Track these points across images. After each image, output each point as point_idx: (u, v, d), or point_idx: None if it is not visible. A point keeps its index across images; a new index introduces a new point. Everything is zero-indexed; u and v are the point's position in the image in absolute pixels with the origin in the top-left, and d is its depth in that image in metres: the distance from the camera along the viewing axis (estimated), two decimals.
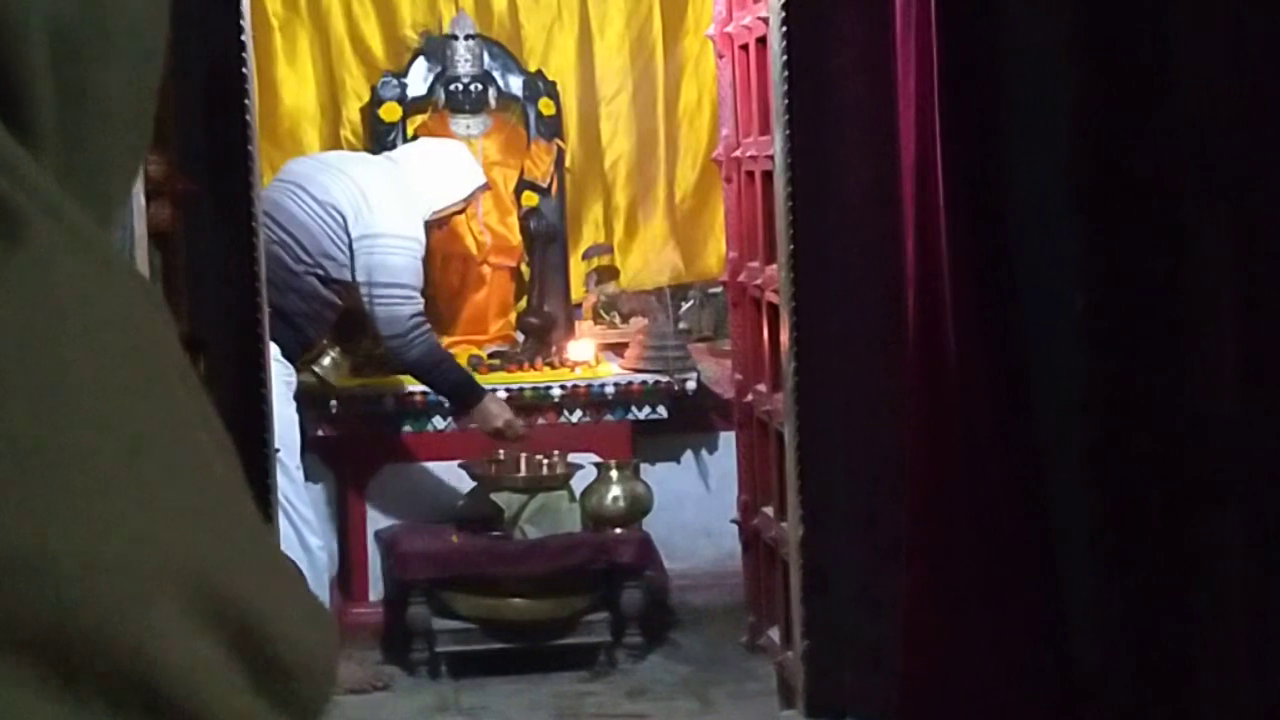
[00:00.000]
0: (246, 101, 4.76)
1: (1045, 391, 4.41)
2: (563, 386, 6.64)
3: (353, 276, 5.98)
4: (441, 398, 6.35)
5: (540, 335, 6.92)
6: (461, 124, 6.94)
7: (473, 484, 6.40)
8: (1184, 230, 4.11)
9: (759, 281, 5.55)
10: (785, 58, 4.90)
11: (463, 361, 6.65)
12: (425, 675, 6.16)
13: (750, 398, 5.85)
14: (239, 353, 4.77)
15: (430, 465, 6.56)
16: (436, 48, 6.97)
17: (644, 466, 6.57)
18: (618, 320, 7.17)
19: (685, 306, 7.24)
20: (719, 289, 6.87)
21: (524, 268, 7.10)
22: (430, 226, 6.25)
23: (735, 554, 6.22)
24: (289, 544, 5.51)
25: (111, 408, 0.53)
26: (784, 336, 5.05)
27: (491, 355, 6.80)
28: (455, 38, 6.94)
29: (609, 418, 6.72)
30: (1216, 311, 4.04)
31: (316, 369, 6.32)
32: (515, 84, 7.02)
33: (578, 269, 7.23)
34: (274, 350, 5.23)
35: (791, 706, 5.25)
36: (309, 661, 0.57)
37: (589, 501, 6.30)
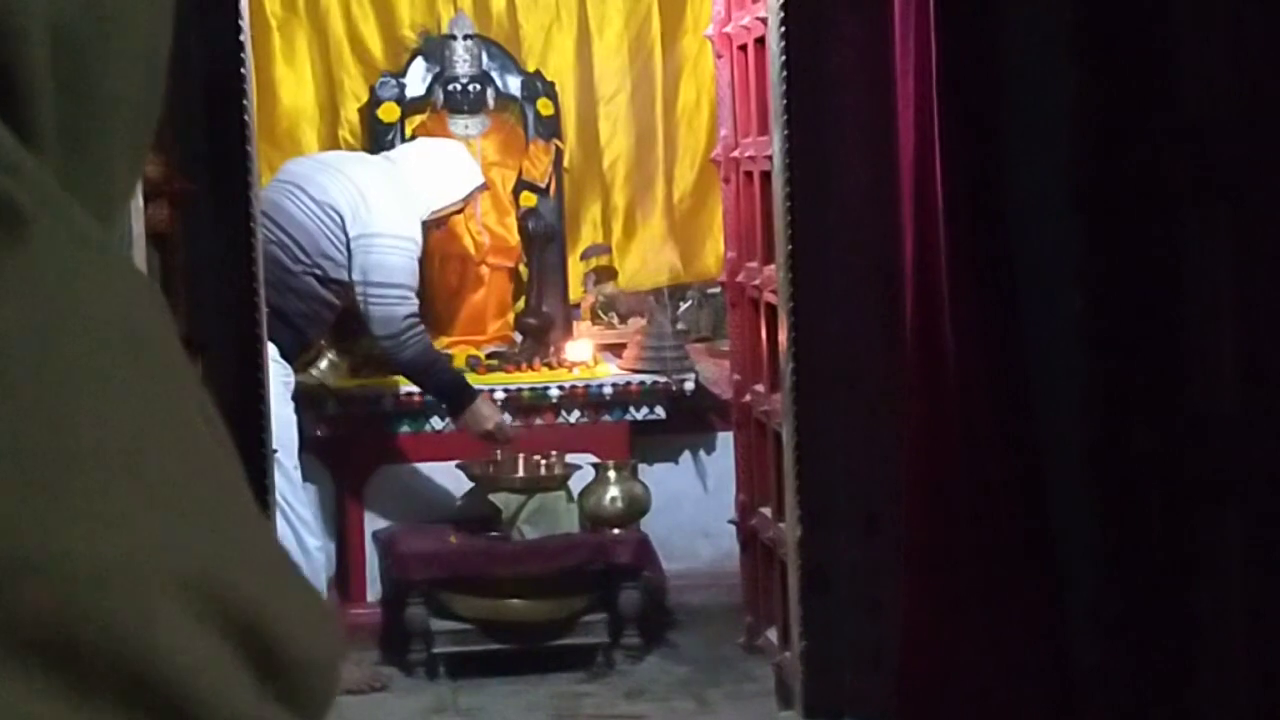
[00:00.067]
0: (245, 102, 4.76)
1: (1045, 391, 4.41)
2: (561, 387, 6.64)
3: (350, 276, 5.98)
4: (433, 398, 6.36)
5: (538, 336, 6.92)
6: (460, 124, 6.94)
7: (470, 484, 6.40)
8: (1183, 230, 4.11)
9: (757, 282, 5.55)
10: (784, 58, 4.89)
11: (461, 362, 6.65)
12: (423, 676, 6.16)
13: (748, 398, 5.84)
14: (237, 353, 4.76)
15: (428, 466, 6.56)
16: (435, 48, 6.97)
17: (642, 467, 6.57)
18: (616, 321, 7.17)
19: (683, 307, 7.23)
20: (717, 289, 6.87)
21: (522, 268, 7.09)
22: (428, 227, 6.25)
23: (733, 554, 6.22)
24: (286, 545, 5.51)
25: (114, 407, 0.53)
26: (782, 337, 5.04)
27: (489, 356, 6.80)
28: (454, 38, 6.94)
29: (607, 418, 6.72)
30: (1216, 311, 4.04)
31: (314, 372, 6.32)
32: (514, 84, 7.02)
33: (576, 269, 7.22)
34: (272, 350, 5.22)
35: (789, 707, 5.25)
36: (314, 659, 0.56)
37: (587, 502, 6.29)
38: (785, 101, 4.90)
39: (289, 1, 7.02)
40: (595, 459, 6.40)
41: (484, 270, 6.97)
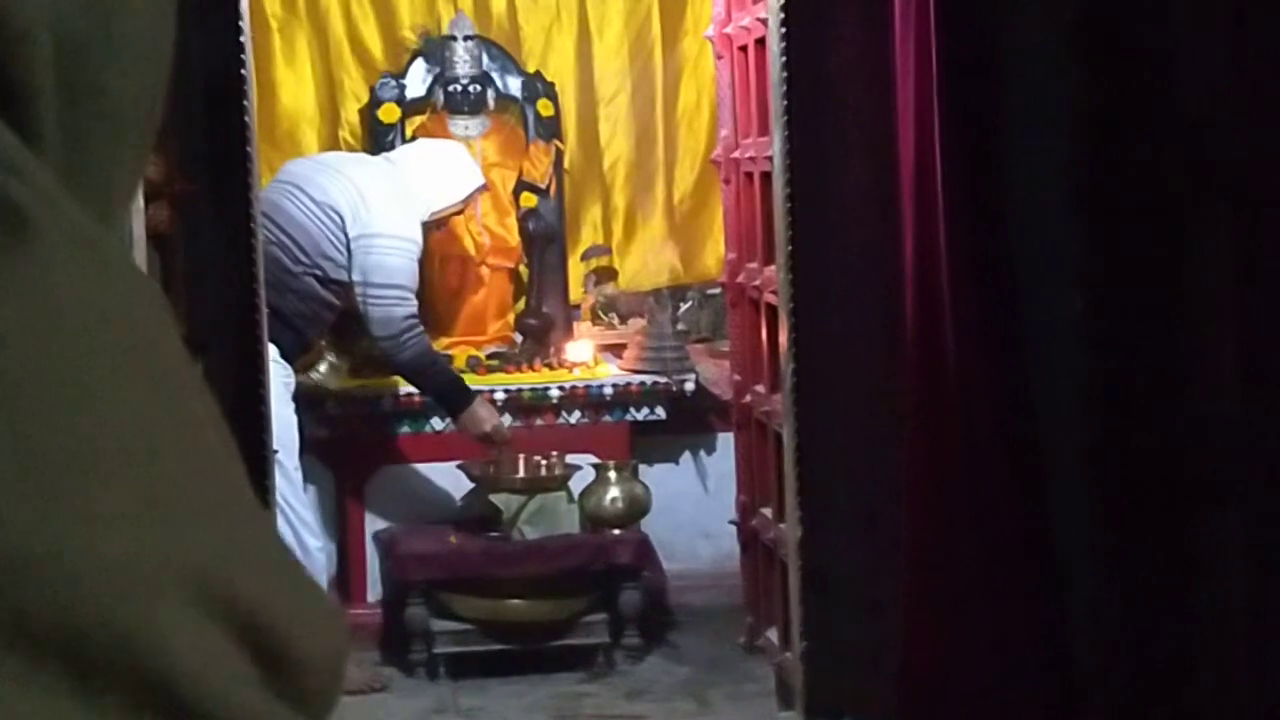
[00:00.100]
0: (245, 103, 4.76)
1: (1045, 392, 4.41)
2: (561, 387, 6.64)
3: (350, 277, 5.98)
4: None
5: (539, 336, 6.92)
6: (460, 125, 6.94)
7: (471, 485, 6.41)
8: (1184, 230, 4.11)
9: (757, 282, 5.55)
10: (784, 59, 4.89)
11: (461, 362, 6.65)
12: (424, 676, 6.16)
13: (749, 399, 5.84)
14: (238, 354, 4.76)
15: (428, 466, 6.56)
16: (435, 49, 6.97)
17: (642, 467, 6.57)
18: (616, 321, 7.17)
19: (684, 307, 7.23)
20: (717, 290, 6.87)
21: (522, 269, 7.09)
22: (428, 227, 6.25)
23: (734, 555, 6.22)
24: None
25: (118, 407, 0.53)
26: (782, 337, 5.04)
27: (490, 356, 6.80)
28: (454, 39, 6.94)
29: (607, 419, 6.72)
30: (1216, 311, 4.04)
31: (314, 376, 6.33)
32: (514, 85, 7.02)
33: (576, 270, 7.22)
34: (272, 351, 5.22)
35: (790, 707, 5.25)
36: (319, 657, 0.57)
37: (587, 502, 6.29)
38: (785, 102, 4.90)
39: (289, 2, 7.02)
40: (596, 459, 6.40)
41: (484, 271, 6.97)
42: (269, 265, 5.22)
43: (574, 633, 6.22)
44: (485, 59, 6.97)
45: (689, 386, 6.78)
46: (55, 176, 0.55)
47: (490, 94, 6.99)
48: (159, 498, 0.53)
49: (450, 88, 6.93)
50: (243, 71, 4.76)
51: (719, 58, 6.03)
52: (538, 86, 7.03)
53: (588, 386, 6.67)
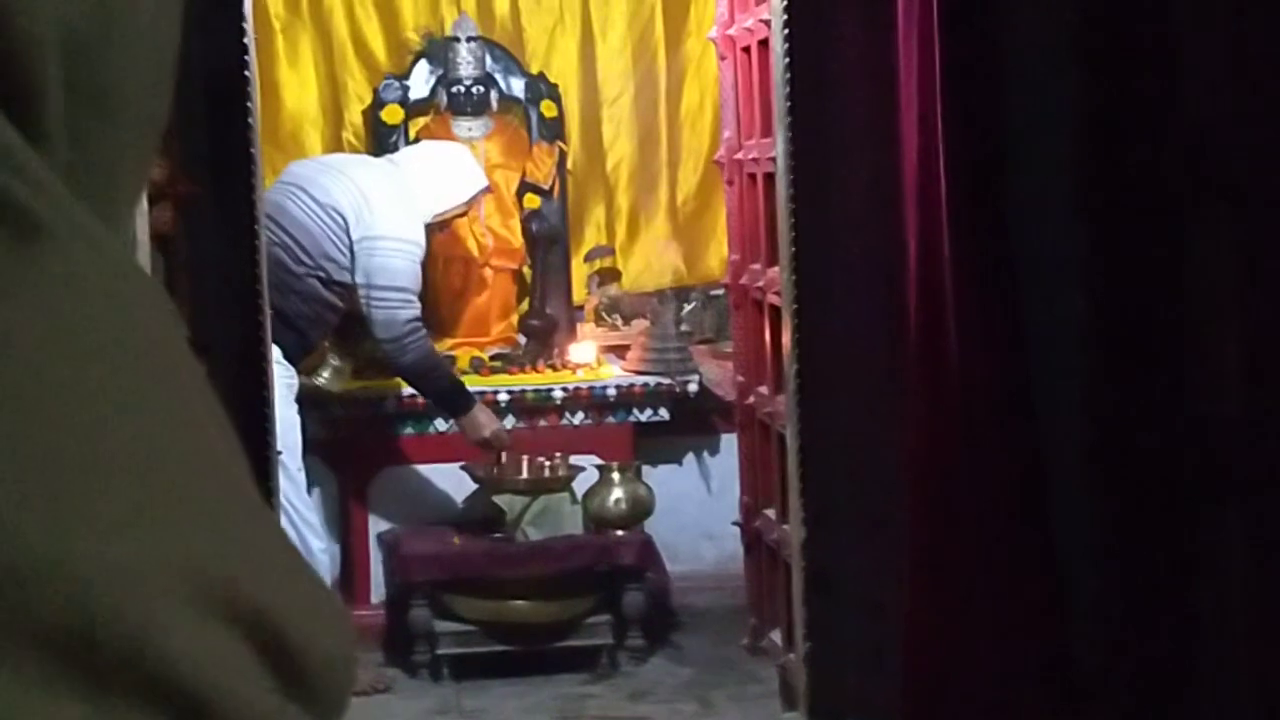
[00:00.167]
0: (249, 104, 4.77)
1: (1046, 392, 4.41)
2: (564, 389, 6.64)
3: (353, 278, 5.98)
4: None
5: (542, 337, 6.92)
6: (463, 126, 6.94)
7: (474, 486, 6.41)
8: (1186, 231, 4.11)
9: (761, 284, 5.55)
10: (787, 60, 4.89)
11: (465, 364, 6.66)
12: (427, 677, 6.16)
13: (752, 400, 5.85)
14: (241, 355, 4.76)
15: (432, 467, 6.56)
16: (438, 50, 6.97)
17: (646, 469, 6.57)
18: (619, 322, 7.17)
19: (687, 308, 7.23)
20: (721, 291, 6.87)
21: (526, 270, 7.09)
22: (431, 229, 6.26)
23: (737, 556, 6.22)
24: None
25: (126, 411, 0.53)
26: (786, 339, 5.04)
27: (493, 358, 6.81)
28: (457, 40, 6.94)
29: (611, 420, 6.72)
30: (1218, 312, 4.04)
31: (318, 381, 6.33)
32: (517, 86, 7.02)
33: (579, 271, 7.23)
34: (275, 353, 5.23)
35: (794, 709, 5.25)
36: (329, 657, 0.57)
37: (591, 504, 6.30)
38: (788, 103, 4.90)
39: (292, 4, 7.02)
40: (599, 461, 6.40)
41: (488, 272, 6.97)
42: (272, 267, 5.23)
43: (577, 634, 6.22)
44: (488, 60, 6.98)
45: (692, 388, 6.78)
46: (62, 179, 0.55)
47: (493, 95, 6.99)
48: (166, 501, 0.53)
49: (453, 89, 6.93)
50: (246, 73, 4.76)
51: (722, 59, 6.04)
52: (541, 88, 7.03)
53: (591, 388, 6.67)
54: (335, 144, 7.01)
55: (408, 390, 6.38)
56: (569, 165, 7.15)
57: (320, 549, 5.89)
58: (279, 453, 5.09)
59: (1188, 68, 4.07)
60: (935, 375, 4.49)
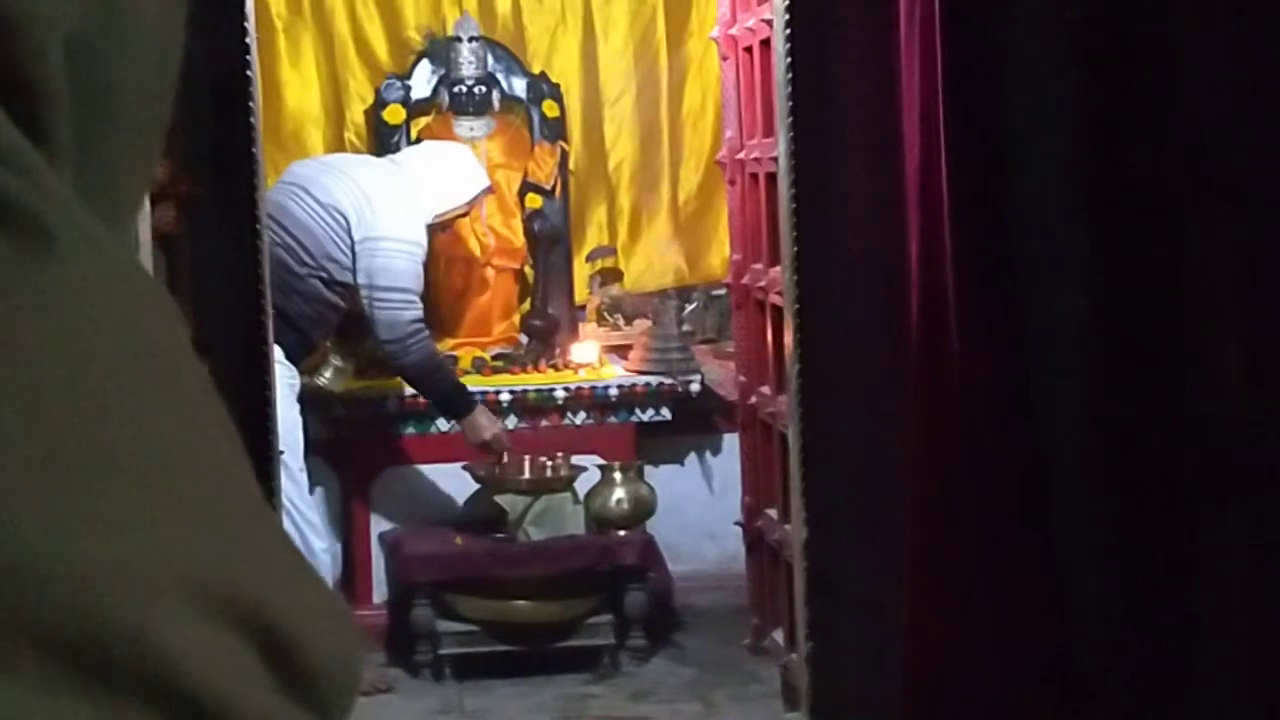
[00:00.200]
0: (250, 103, 4.77)
1: (1046, 392, 4.41)
2: (566, 389, 6.64)
3: (355, 279, 5.98)
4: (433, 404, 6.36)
5: (544, 337, 6.92)
6: (465, 126, 6.94)
7: (476, 486, 6.41)
8: (1186, 231, 4.11)
9: (763, 283, 5.55)
10: (789, 60, 4.89)
11: (466, 364, 6.66)
12: (429, 677, 6.16)
13: (754, 400, 5.85)
14: (243, 355, 4.77)
15: (434, 467, 6.56)
16: (440, 50, 6.97)
17: (647, 469, 6.57)
18: (621, 322, 7.17)
19: (689, 308, 7.23)
20: (722, 291, 6.86)
21: (528, 270, 7.09)
22: (433, 229, 6.25)
23: (739, 556, 6.22)
24: None
25: (131, 414, 0.53)
26: (788, 338, 5.05)
27: (495, 357, 6.81)
28: (459, 40, 6.94)
29: (612, 420, 6.72)
30: (1218, 312, 4.04)
31: (320, 381, 6.33)
32: (519, 86, 7.02)
33: (581, 271, 7.23)
34: (276, 353, 5.23)
35: (795, 709, 5.25)
36: (334, 660, 0.57)
37: (592, 504, 6.30)
38: (790, 103, 4.90)
39: (294, 3, 7.02)
40: (601, 460, 6.40)
41: (489, 272, 6.97)
42: (273, 267, 5.22)
43: (579, 634, 6.22)
44: (490, 60, 6.98)
45: (694, 387, 6.78)
46: (67, 181, 0.55)
47: (495, 95, 6.99)
48: (168, 502, 0.53)
49: (455, 89, 6.93)
50: (248, 72, 4.77)
51: (724, 59, 6.04)
52: (543, 88, 7.03)
53: (593, 387, 6.67)
54: (337, 144, 7.01)
55: (410, 390, 6.38)
56: (571, 165, 7.15)
57: (322, 549, 5.89)
58: (281, 453, 5.09)
59: (1188, 68, 4.07)
60: (936, 375, 4.50)
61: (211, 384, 0.58)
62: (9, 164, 0.52)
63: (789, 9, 4.87)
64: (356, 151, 6.87)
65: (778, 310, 5.28)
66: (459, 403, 6.22)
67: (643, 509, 6.32)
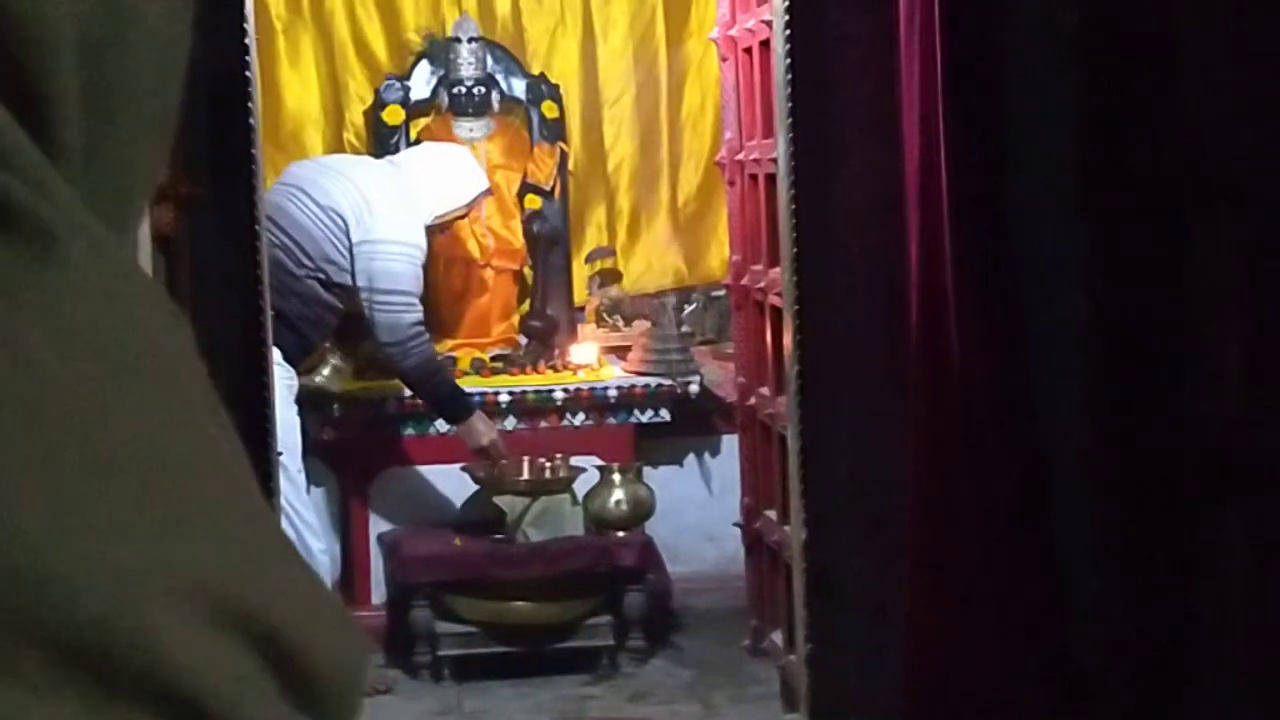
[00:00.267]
0: (250, 104, 4.77)
1: (1046, 392, 4.41)
2: (565, 390, 6.64)
3: (353, 281, 5.98)
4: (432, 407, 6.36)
5: (543, 338, 6.92)
6: (464, 127, 6.94)
7: (475, 487, 6.41)
8: (1186, 231, 4.11)
9: (762, 284, 5.55)
10: (789, 61, 4.89)
11: (466, 365, 6.66)
12: (428, 679, 6.16)
13: (753, 401, 5.85)
14: (242, 357, 4.76)
15: (432, 468, 6.56)
16: (439, 51, 6.97)
17: (646, 470, 6.57)
18: (620, 323, 7.17)
19: (688, 309, 7.24)
20: (722, 292, 6.87)
21: (527, 271, 7.10)
22: (432, 231, 6.25)
23: (738, 557, 6.22)
24: None
25: (136, 421, 0.53)
26: (787, 340, 5.04)
27: (494, 358, 6.81)
28: (458, 41, 6.94)
29: (611, 421, 6.72)
30: (1218, 312, 4.04)
31: (318, 379, 6.33)
32: (518, 87, 7.03)
33: (580, 272, 7.23)
34: (274, 354, 5.23)
35: (794, 710, 5.25)
36: (334, 665, 0.57)
37: (591, 505, 6.30)
38: (790, 104, 4.90)
39: (294, 4, 7.02)
40: (600, 462, 6.40)
41: (488, 273, 6.97)
42: (272, 268, 5.22)
43: (578, 635, 6.22)
44: (490, 61, 6.98)
45: (693, 389, 6.78)
46: (73, 184, 0.55)
47: (495, 96, 7.00)
48: (172, 506, 0.53)
49: (455, 90, 6.94)
50: (247, 73, 4.76)
51: (723, 60, 6.04)
52: (542, 89, 7.03)
53: (592, 389, 6.67)
54: (336, 144, 7.01)
55: (408, 391, 6.38)
56: (570, 166, 7.15)
57: (320, 550, 5.89)
58: (279, 454, 5.09)
59: (1188, 68, 4.07)
60: (936, 376, 4.50)
61: (212, 386, 0.58)
62: (12, 166, 0.52)
63: (788, 10, 4.87)
64: (356, 152, 6.87)
65: (777, 311, 5.28)
66: (457, 407, 6.22)
67: (642, 510, 6.32)
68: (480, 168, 6.54)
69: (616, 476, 6.31)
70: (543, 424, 6.66)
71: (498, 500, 6.30)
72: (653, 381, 6.70)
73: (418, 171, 6.24)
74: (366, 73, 7.07)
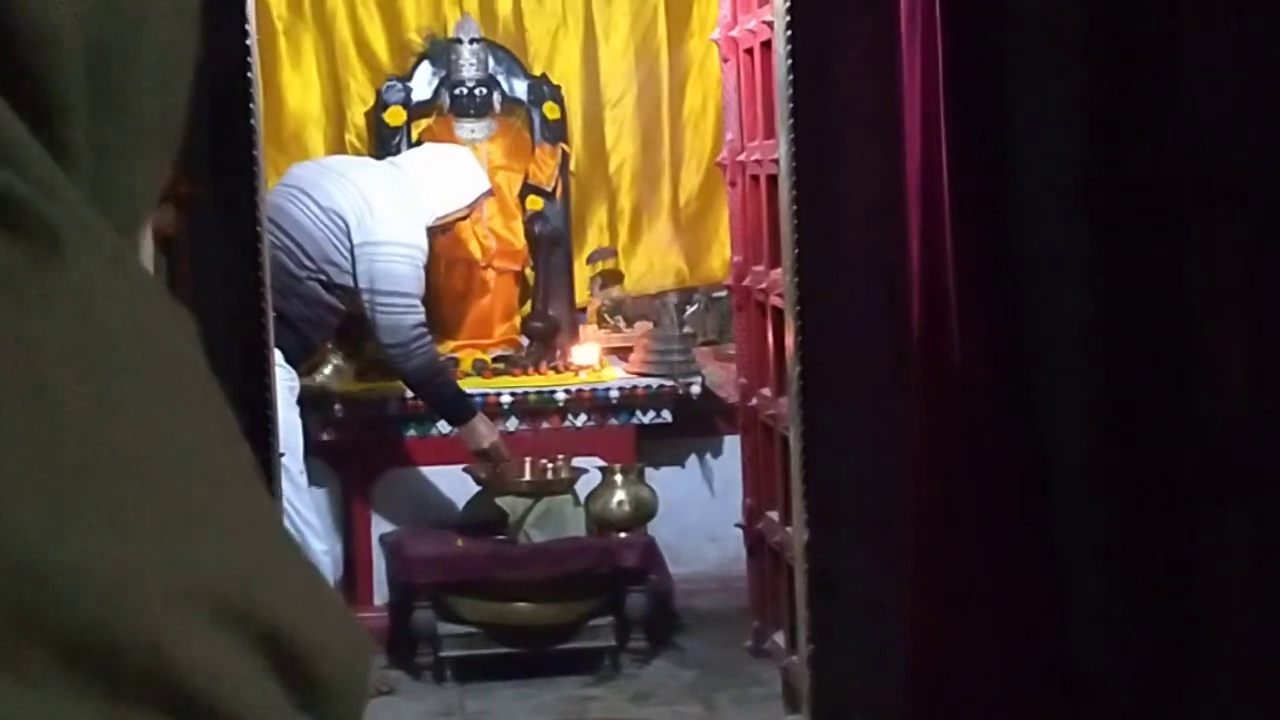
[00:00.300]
0: (251, 105, 4.76)
1: (1049, 393, 4.41)
2: (567, 391, 6.64)
3: (355, 282, 5.98)
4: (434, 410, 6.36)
5: (545, 339, 6.92)
6: (466, 128, 6.94)
7: (477, 488, 6.40)
8: (1187, 231, 4.11)
9: (763, 285, 5.55)
10: (790, 61, 4.89)
11: (467, 366, 6.66)
12: (430, 680, 6.16)
13: (755, 402, 5.84)
14: (243, 358, 4.76)
15: (434, 469, 6.56)
16: (441, 52, 6.97)
17: (648, 471, 6.56)
18: (622, 324, 7.17)
19: (690, 310, 7.23)
20: (723, 293, 6.86)
21: (528, 272, 7.10)
22: (434, 232, 6.25)
23: (740, 558, 6.22)
24: None
25: (143, 422, 0.53)
26: (789, 340, 5.04)
27: (496, 359, 6.81)
28: (460, 42, 6.94)
29: (613, 422, 6.72)
30: (1219, 312, 4.04)
31: (319, 379, 6.33)
32: (520, 88, 7.03)
33: (582, 273, 7.23)
34: (276, 355, 5.22)
35: (796, 711, 5.25)
36: (339, 667, 0.57)
37: (593, 506, 6.29)
38: (791, 105, 4.90)
39: (295, 5, 7.02)
40: (602, 463, 6.40)
41: (490, 274, 6.97)
42: (273, 269, 5.22)
43: (580, 636, 6.22)
44: (491, 62, 6.98)
45: (695, 389, 6.78)
46: (81, 186, 0.55)
47: (496, 97, 6.99)
48: (178, 507, 0.53)
49: (456, 91, 6.93)
50: (249, 74, 4.76)
51: (725, 60, 6.04)
52: (544, 89, 7.03)
53: (594, 389, 6.67)
54: (338, 145, 7.01)
55: (410, 392, 6.38)
56: (571, 167, 7.15)
57: (323, 551, 5.89)
58: (281, 455, 5.09)
59: (1188, 68, 4.08)
60: (937, 376, 4.50)
61: (218, 387, 0.58)
62: (17, 167, 0.52)
63: (789, 10, 4.87)
64: (357, 153, 6.87)
65: (779, 312, 5.28)
66: (459, 408, 6.21)
67: (644, 511, 6.32)
68: (481, 169, 6.54)
69: (618, 477, 6.31)
70: (544, 425, 6.66)
71: (500, 501, 6.31)
72: (654, 382, 6.70)
73: (419, 173, 6.24)
74: (368, 73, 7.06)
